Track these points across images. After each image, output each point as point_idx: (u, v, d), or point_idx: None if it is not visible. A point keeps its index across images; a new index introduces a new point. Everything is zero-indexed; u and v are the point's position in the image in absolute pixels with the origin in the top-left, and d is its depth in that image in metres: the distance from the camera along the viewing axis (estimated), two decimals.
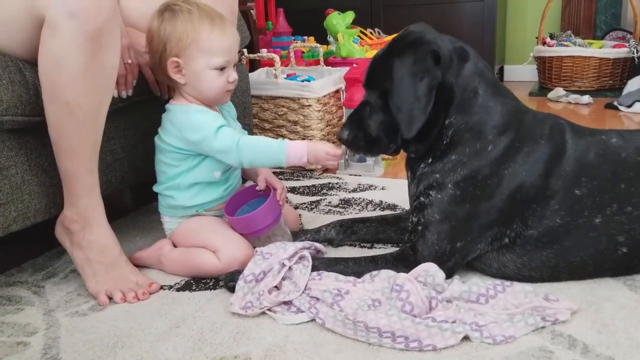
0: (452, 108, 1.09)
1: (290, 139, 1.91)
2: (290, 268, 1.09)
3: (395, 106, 1.07)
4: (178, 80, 1.20)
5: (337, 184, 1.78)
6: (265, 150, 1.17)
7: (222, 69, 1.19)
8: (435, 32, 1.12)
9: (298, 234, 1.33)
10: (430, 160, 1.12)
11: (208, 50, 1.17)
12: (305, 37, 2.77)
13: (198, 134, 1.17)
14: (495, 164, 1.07)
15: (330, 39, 2.77)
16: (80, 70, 1.01)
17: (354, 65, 2.20)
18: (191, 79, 1.20)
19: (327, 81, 1.96)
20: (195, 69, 1.18)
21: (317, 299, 1.03)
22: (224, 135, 1.16)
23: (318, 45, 2.36)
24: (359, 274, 1.09)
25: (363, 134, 1.14)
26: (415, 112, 1.05)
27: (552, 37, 3.26)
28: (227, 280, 1.13)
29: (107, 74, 1.08)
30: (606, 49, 3.06)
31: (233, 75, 1.22)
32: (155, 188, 1.28)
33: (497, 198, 1.07)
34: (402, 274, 1.02)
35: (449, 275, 1.08)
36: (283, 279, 1.08)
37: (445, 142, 1.10)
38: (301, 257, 1.12)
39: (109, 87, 1.10)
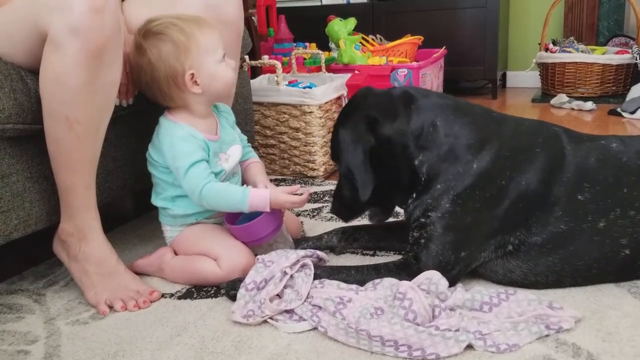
0: (414, 150, 1.10)
1: (292, 146, 1.94)
2: (292, 276, 1.09)
3: (348, 174, 1.12)
4: (195, 92, 1.19)
5: None
6: (228, 199, 1.17)
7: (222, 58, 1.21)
8: (378, 91, 1.17)
9: (300, 241, 1.33)
10: (414, 195, 1.13)
11: (208, 47, 1.18)
12: (307, 44, 2.77)
13: (173, 162, 1.18)
14: (488, 176, 1.07)
15: (332, 45, 2.77)
16: (80, 87, 1.01)
17: (356, 71, 2.20)
18: (206, 84, 1.19)
19: (328, 88, 1.96)
20: (208, 71, 1.18)
21: (319, 307, 1.02)
22: (191, 178, 1.16)
23: (320, 51, 2.36)
24: (361, 282, 1.08)
25: (341, 205, 1.21)
26: (362, 177, 1.09)
27: (554, 43, 3.25)
28: (229, 289, 1.13)
29: (108, 90, 1.08)
30: (609, 55, 3.06)
31: (232, 63, 1.24)
32: (153, 200, 1.28)
33: (499, 208, 1.07)
34: (404, 282, 1.01)
35: (452, 283, 1.07)
36: (285, 287, 1.08)
37: (423, 178, 1.11)
38: (303, 265, 1.11)
39: (109, 104, 1.10)
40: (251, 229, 1.19)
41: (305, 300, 1.04)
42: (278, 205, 1.18)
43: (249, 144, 1.41)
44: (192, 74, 1.17)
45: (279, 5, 3.04)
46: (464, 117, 1.11)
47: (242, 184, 1.37)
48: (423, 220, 1.10)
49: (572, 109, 2.90)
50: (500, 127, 1.12)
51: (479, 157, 1.07)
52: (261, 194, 1.17)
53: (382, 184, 1.12)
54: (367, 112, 1.11)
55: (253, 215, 1.23)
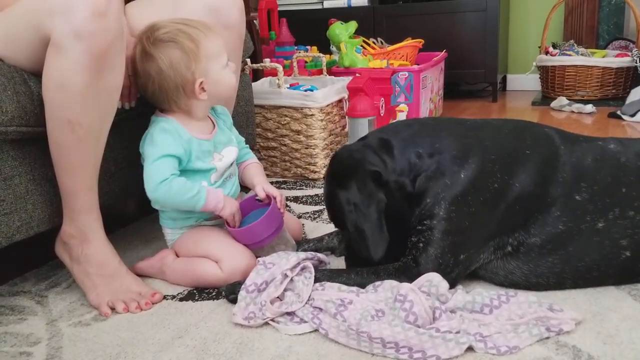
0: (410, 185, 1.10)
1: (293, 148, 1.94)
2: (292, 279, 1.09)
3: (357, 236, 1.10)
4: (202, 98, 1.20)
5: None
6: (185, 193, 1.15)
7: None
8: (354, 146, 1.15)
9: (301, 243, 1.33)
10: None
11: (214, 53, 1.18)
12: (308, 47, 2.78)
13: (148, 148, 1.17)
14: (478, 181, 1.07)
15: (333, 48, 2.77)
16: (83, 91, 1.01)
17: (357, 74, 2.20)
18: (212, 90, 1.20)
19: (330, 91, 1.96)
20: (214, 77, 1.19)
21: (320, 309, 1.03)
22: (157, 167, 1.15)
23: (321, 55, 2.37)
24: (361, 286, 1.09)
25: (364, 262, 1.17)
26: (376, 236, 1.07)
27: (554, 46, 3.26)
28: (228, 293, 1.13)
29: (110, 93, 1.08)
30: (609, 58, 3.06)
31: (233, 66, 1.24)
32: (153, 204, 1.28)
33: (496, 211, 1.07)
34: (405, 284, 1.01)
35: (452, 285, 1.07)
36: (285, 289, 1.08)
37: (413, 194, 1.11)
38: (303, 268, 1.11)
39: (111, 107, 1.11)
40: (252, 231, 1.19)
41: (306, 303, 1.05)
42: (230, 211, 1.21)
43: (247, 146, 1.41)
44: (202, 82, 1.18)
45: (280, 8, 3.06)
46: (439, 132, 1.12)
47: (241, 185, 1.37)
48: (420, 227, 1.10)
49: (572, 112, 2.90)
50: (478, 133, 1.12)
51: (465, 165, 1.08)
52: (217, 191, 1.20)
53: (391, 233, 1.12)
54: (369, 169, 1.09)
55: (253, 218, 1.24)
